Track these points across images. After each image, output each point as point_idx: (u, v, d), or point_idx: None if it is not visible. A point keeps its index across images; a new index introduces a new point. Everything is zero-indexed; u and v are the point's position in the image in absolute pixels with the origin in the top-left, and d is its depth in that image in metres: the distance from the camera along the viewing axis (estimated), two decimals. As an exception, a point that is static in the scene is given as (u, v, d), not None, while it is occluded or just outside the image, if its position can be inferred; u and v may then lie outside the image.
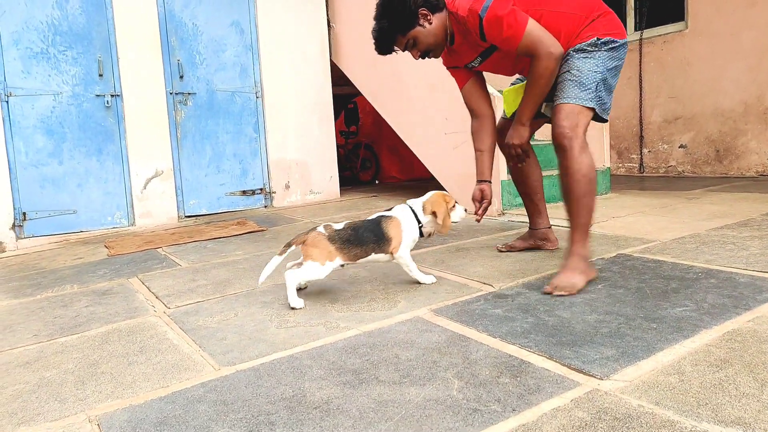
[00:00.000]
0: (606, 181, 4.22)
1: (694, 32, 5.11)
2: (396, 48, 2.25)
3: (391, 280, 2.33)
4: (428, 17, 2.16)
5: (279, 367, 1.52)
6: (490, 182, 2.37)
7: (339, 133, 6.82)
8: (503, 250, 2.70)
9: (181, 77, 4.36)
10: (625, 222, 3.15)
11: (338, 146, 6.83)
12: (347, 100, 6.62)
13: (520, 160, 2.33)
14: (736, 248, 2.39)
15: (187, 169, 4.44)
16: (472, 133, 2.42)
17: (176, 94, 4.36)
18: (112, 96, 4.08)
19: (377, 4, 2.21)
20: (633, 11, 5.69)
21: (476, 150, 2.41)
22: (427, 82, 4.08)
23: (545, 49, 2.00)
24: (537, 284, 2.12)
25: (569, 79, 2.04)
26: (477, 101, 2.39)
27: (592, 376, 1.36)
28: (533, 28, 2.01)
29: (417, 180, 6.42)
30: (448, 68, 2.45)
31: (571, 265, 2.02)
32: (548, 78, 2.05)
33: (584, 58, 2.03)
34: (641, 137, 5.67)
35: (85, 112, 4.00)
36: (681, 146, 5.36)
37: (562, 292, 1.94)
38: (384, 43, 2.23)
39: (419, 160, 5.67)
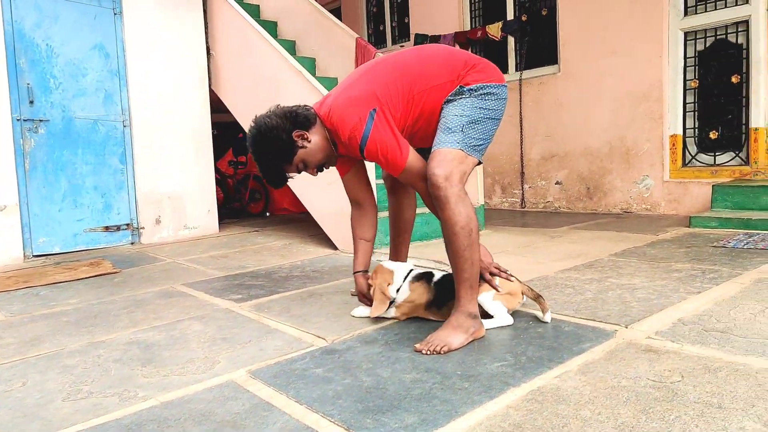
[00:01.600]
0: (480, 218, 4.27)
1: (565, 75, 5.37)
2: (291, 175, 2.11)
3: (222, 334, 2.17)
4: (305, 136, 2.01)
5: (34, 455, 1.32)
6: (367, 272, 2.28)
7: (228, 163, 6.60)
8: (355, 294, 2.61)
9: (31, 102, 4.01)
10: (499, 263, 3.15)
11: (227, 177, 6.59)
12: (238, 129, 6.41)
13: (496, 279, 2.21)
14: (574, 292, 2.42)
15: (37, 204, 4.06)
16: (354, 221, 2.30)
17: (25, 120, 3.99)
18: (-57, 123, 3.67)
19: (249, 144, 2.05)
20: (513, 53, 5.93)
21: (359, 239, 2.28)
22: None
23: (423, 186, 1.97)
24: (372, 336, 2.04)
25: (438, 129, 1.98)
26: (359, 191, 2.28)
27: (382, 450, 1.27)
28: (412, 163, 1.95)
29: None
30: None
31: (453, 323, 1.90)
32: (439, 204, 1.96)
33: (451, 106, 1.98)
34: (522, 173, 5.86)
35: None
36: (557, 183, 5.57)
37: (428, 351, 1.82)
38: (276, 179, 2.10)
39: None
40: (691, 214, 4.36)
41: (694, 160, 4.56)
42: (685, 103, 4.56)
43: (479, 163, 2.03)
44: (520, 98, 5.74)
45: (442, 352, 1.82)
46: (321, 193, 3.90)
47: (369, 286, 2.20)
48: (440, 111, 2.00)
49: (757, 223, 3.45)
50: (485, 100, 1.97)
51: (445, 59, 2.02)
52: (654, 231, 3.83)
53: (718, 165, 4.40)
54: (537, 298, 2.09)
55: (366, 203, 2.27)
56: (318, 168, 2.09)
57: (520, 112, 5.77)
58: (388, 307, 2.19)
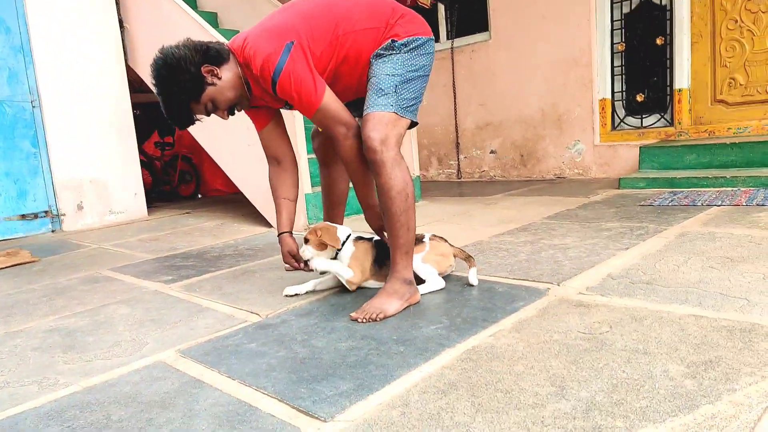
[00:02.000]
0: (416, 189, 4.27)
1: (496, 43, 5.39)
2: (198, 117, 1.95)
3: (150, 316, 2.07)
4: (215, 72, 1.86)
5: (-66, 454, 1.21)
6: (289, 233, 2.13)
7: (154, 144, 6.31)
8: (290, 269, 2.54)
9: (-72, 84, 3.68)
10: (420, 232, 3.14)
11: (154, 159, 6.31)
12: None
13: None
14: (507, 255, 2.44)
15: (-58, 193, 3.76)
16: (271, 179, 2.15)
17: None
18: None
19: (152, 76, 1.87)
20: (444, 20, 5.90)
21: (278, 198, 2.12)
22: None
23: (339, 130, 1.87)
24: (307, 308, 1.99)
25: (369, 88, 1.90)
26: (279, 146, 2.14)
27: (316, 418, 1.24)
28: (329, 102, 1.84)
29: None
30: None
31: (388, 289, 1.87)
32: (355, 157, 1.91)
33: (382, 63, 1.89)
34: (457, 144, 5.89)
35: None
36: (491, 152, 5.63)
37: (364, 319, 1.79)
38: (181, 118, 1.93)
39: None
40: (620, 176, 4.51)
41: (622, 124, 4.69)
42: (612, 67, 4.67)
43: (415, 124, 1.98)
44: (453, 67, 5.74)
45: (378, 320, 1.79)
46: (252, 169, 3.79)
47: (297, 247, 2.10)
48: (368, 64, 1.93)
49: (681, 182, 3.59)
50: (416, 56, 1.92)
51: (372, 4, 1.94)
52: (585, 194, 3.93)
53: (644, 127, 4.55)
54: (468, 258, 2.10)
55: (286, 160, 2.14)
56: (229, 110, 1.95)
57: (453, 82, 5.77)
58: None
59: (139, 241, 3.71)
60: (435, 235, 2.13)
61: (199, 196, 6.25)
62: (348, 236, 2.09)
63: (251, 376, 1.48)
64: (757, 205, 2.87)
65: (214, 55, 1.88)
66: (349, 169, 2.02)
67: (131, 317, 2.08)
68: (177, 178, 6.26)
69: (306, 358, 1.57)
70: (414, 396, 1.29)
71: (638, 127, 4.58)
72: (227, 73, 1.89)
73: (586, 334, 1.53)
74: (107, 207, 4.51)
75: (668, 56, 4.38)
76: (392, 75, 1.87)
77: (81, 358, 1.73)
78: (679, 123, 4.32)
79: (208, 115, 1.96)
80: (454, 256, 2.12)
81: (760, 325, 1.49)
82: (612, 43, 4.64)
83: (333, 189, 2.40)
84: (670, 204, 3.14)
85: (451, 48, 5.72)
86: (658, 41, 4.41)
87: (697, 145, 3.82)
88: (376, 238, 2.13)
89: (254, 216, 4.12)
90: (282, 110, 2.18)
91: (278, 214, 2.13)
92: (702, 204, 3.04)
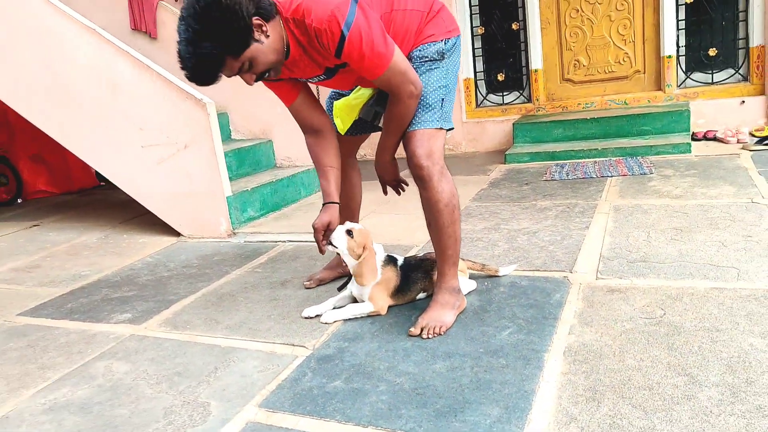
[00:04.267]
0: (311, 180, 4.17)
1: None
2: (223, 74, 1.66)
3: (167, 369, 1.79)
4: (263, 28, 1.61)
5: None
6: (338, 204, 1.99)
7: (-53, 141, 5.08)
8: (311, 285, 2.35)
9: None
10: (368, 225, 3.11)
11: (-51, 158, 5.09)
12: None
13: (400, 190, 2.17)
14: (486, 245, 2.59)
15: None
16: (313, 149, 2.00)
17: None
18: None
19: (186, 17, 1.54)
20: None
21: (324, 166, 1.98)
22: (108, 80, 3.26)
23: (407, 89, 1.75)
24: (351, 332, 1.91)
25: None
26: (314, 116, 1.98)
27: (504, 452, 1.26)
28: (399, 60, 1.71)
29: (78, 192, 5.29)
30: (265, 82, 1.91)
31: (440, 300, 1.90)
32: (410, 116, 1.84)
33: (429, 70, 1.84)
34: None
35: None
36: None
37: (430, 334, 1.82)
38: (209, 73, 1.63)
39: (79, 168, 5.03)
40: (488, 151, 4.94)
41: (485, 101, 5.10)
42: (473, 48, 5.01)
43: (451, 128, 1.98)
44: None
45: (442, 333, 1.83)
46: (149, 173, 3.34)
47: (338, 222, 1.99)
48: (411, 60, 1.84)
49: (560, 154, 4.09)
50: (456, 59, 1.93)
51: None
52: (479, 171, 4.21)
53: (506, 104, 5.00)
54: (484, 267, 2.21)
55: (325, 129, 2.01)
56: (260, 75, 1.73)
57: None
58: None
59: (12, 271, 3.05)
60: None
61: (19, 200, 5.24)
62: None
63: (381, 418, 1.42)
64: (641, 174, 3.42)
65: (266, 8, 1.64)
66: (394, 123, 1.87)
67: (145, 375, 1.78)
68: (-10, 181, 5.16)
69: (416, 387, 1.54)
70: (571, 408, 1.37)
71: (500, 104, 5.03)
72: (272, 32, 1.67)
73: (650, 319, 1.75)
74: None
75: (523, 40, 4.85)
76: (440, 86, 1.86)
77: (137, 441, 1.46)
78: (537, 99, 4.86)
79: (236, 74, 1.69)
80: (469, 269, 2.18)
81: (768, 291, 1.83)
82: (472, 26, 4.97)
83: (352, 197, 2.34)
84: (569, 178, 3.57)
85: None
86: (514, 26, 4.85)
87: (563, 120, 4.36)
88: (401, 260, 2.11)
89: (143, 223, 3.65)
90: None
91: (326, 181, 1.99)
92: (596, 176, 3.51)
